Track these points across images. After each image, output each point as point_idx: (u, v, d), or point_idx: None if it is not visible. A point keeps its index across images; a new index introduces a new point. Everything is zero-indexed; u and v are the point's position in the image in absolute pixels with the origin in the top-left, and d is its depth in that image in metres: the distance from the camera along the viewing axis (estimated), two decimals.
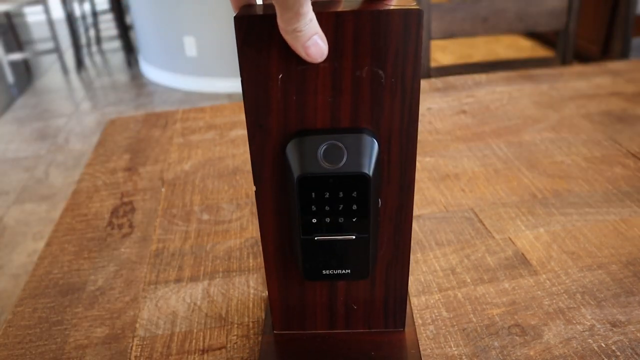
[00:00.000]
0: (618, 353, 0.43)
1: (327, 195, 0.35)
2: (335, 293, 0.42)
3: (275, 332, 0.45)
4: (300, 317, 0.44)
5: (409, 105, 0.34)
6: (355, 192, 0.35)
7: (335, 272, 0.39)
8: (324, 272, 0.39)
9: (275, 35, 0.32)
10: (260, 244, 0.52)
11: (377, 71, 0.33)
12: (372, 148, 0.35)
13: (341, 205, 0.35)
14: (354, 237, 0.37)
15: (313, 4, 0.30)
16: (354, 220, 0.36)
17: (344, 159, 0.34)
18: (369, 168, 0.34)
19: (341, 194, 0.35)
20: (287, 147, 0.35)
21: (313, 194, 0.35)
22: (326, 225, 0.36)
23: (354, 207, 0.36)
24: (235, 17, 0.32)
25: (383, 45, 0.32)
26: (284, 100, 0.34)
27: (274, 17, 0.31)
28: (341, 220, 0.36)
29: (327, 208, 0.36)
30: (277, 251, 0.40)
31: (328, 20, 0.31)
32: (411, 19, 0.31)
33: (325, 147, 0.34)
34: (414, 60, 0.32)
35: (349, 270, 0.39)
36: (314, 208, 0.36)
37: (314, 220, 0.36)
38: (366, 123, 0.35)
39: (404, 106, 0.34)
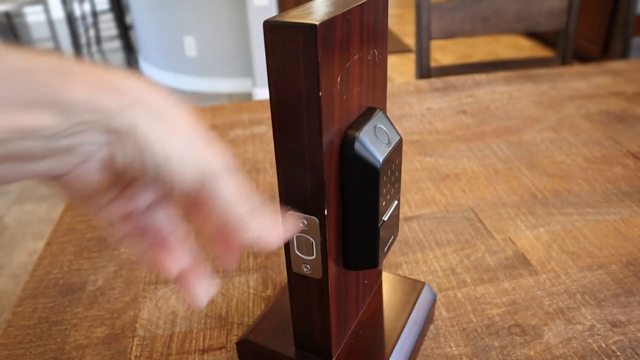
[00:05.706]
0: (618, 353, 0.43)
1: (389, 173, 0.36)
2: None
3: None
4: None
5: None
6: (397, 160, 0.36)
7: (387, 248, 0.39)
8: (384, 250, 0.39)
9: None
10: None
11: (374, 52, 0.35)
12: (387, 117, 0.37)
13: (392, 177, 0.36)
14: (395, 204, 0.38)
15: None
16: (395, 186, 0.38)
17: (388, 135, 0.35)
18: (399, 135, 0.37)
19: (393, 167, 0.36)
20: (355, 142, 0.33)
21: (384, 177, 0.35)
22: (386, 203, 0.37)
23: (397, 173, 0.37)
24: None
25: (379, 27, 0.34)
26: (339, 98, 0.32)
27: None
28: (392, 192, 0.37)
29: (388, 186, 0.36)
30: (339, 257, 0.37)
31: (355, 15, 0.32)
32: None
33: (372, 131, 0.34)
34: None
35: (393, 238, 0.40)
36: (384, 191, 0.35)
37: (383, 203, 0.36)
38: (375, 101, 0.37)
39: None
